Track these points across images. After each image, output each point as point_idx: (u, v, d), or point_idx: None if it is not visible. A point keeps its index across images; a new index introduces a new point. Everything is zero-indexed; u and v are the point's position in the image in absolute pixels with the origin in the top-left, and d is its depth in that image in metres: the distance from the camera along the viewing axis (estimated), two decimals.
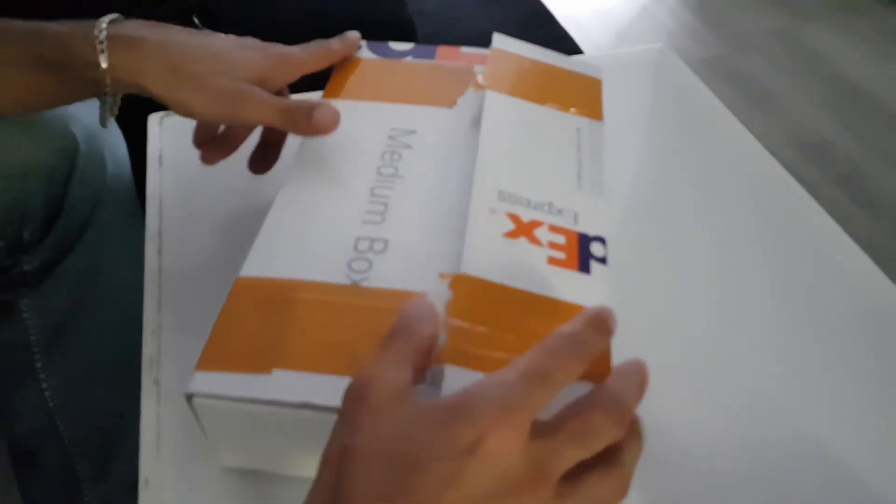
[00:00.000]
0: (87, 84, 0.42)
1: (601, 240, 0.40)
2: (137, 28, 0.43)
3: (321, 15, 0.98)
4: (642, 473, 0.39)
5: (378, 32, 1.06)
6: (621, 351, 0.44)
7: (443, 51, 0.53)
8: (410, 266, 0.38)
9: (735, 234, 0.53)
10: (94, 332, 0.61)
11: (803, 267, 0.51)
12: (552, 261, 0.38)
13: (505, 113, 0.46)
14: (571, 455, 0.27)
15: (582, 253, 0.39)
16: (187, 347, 0.45)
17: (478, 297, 0.35)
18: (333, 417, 0.30)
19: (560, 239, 0.39)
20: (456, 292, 0.35)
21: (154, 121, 0.62)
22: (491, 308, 0.35)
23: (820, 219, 0.54)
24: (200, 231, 0.52)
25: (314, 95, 0.64)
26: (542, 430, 0.27)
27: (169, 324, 0.46)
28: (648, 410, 0.42)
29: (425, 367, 0.30)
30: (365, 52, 0.54)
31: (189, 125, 0.58)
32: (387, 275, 0.38)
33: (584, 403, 0.28)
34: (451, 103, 0.48)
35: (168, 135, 0.61)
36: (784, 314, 0.48)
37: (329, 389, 0.32)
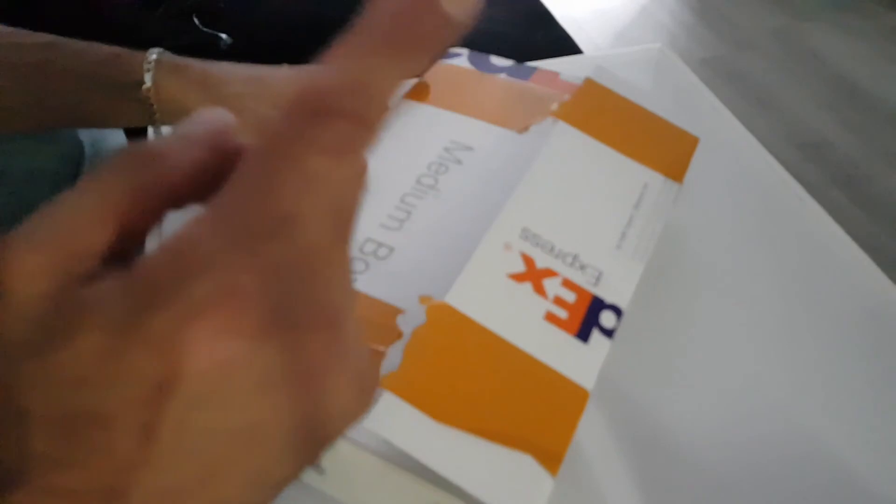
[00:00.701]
0: (133, 105, 0.43)
1: (616, 310, 0.37)
2: (185, 58, 0.44)
3: (321, 15, 0.98)
4: (643, 472, 0.39)
5: None
6: (622, 346, 0.44)
7: (540, 74, 0.51)
8: (404, 280, 0.36)
9: (734, 233, 0.53)
10: None
11: (803, 267, 0.51)
12: (550, 317, 0.35)
13: (568, 148, 0.44)
14: None
15: (588, 318, 0.36)
16: None
17: (449, 331, 0.34)
18: None
19: (569, 296, 0.36)
20: (430, 319, 0.34)
21: None
22: (459, 346, 0.33)
23: (820, 219, 0.54)
24: None
25: None
26: None
27: None
28: (649, 409, 0.42)
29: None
30: (462, 61, 0.52)
31: None
32: (378, 283, 0.37)
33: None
34: (522, 128, 0.46)
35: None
36: (784, 314, 0.48)
37: None
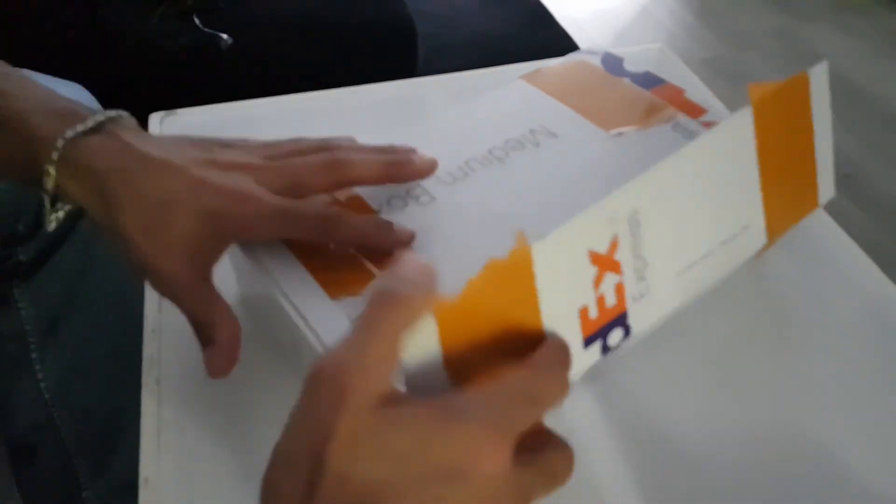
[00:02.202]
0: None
1: (627, 330, 0.34)
2: (92, 153, 0.36)
3: (321, 15, 0.98)
4: (642, 472, 0.39)
5: (378, 32, 1.06)
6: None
7: (665, 88, 0.50)
8: (426, 229, 0.38)
9: None
10: (88, 323, 0.61)
11: (803, 267, 0.51)
12: (582, 312, 0.32)
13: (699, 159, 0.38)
14: (543, 485, 0.26)
15: (604, 329, 0.33)
16: (187, 347, 0.45)
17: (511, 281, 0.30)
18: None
19: (611, 300, 0.33)
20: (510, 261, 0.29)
21: (154, 121, 0.62)
22: (505, 299, 0.30)
23: (820, 219, 0.54)
24: None
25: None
26: (523, 459, 0.25)
27: (169, 324, 0.46)
28: (648, 407, 0.42)
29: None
30: (595, 59, 0.53)
31: (190, 126, 0.58)
32: (404, 221, 0.38)
33: (556, 438, 0.28)
34: (610, 130, 0.46)
35: (168, 135, 0.61)
36: (784, 314, 0.48)
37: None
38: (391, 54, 1.02)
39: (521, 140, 0.45)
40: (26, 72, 0.41)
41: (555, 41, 1.16)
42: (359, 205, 0.41)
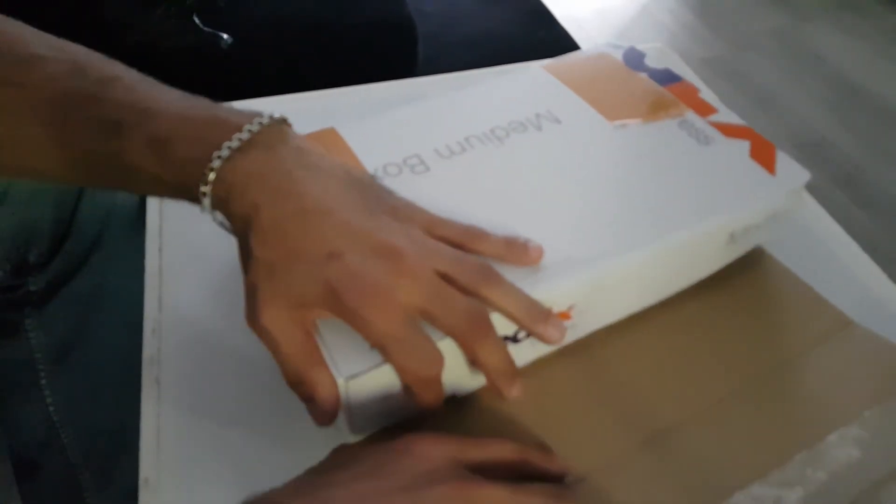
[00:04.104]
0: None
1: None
2: (247, 177, 0.34)
3: (321, 15, 0.98)
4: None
5: (378, 32, 1.06)
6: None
7: (681, 85, 0.50)
8: (419, 199, 0.38)
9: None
10: (100, 349, 0.61)
11: (803, 267, 0.51)
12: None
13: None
14: None
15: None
16: (187, 347, 0.45)
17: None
18: None
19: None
20: None
21: None
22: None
23: (820, 219, 0.54)
24: (200, 230, 0.52)
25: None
26: None
27: (169, 323, 0.46)
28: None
29: None
30: (616, 51, 0.53)
31: None
32: (399, 188, 0.38)
33: None
34: (615, 121, 0.46)
35: None
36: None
37: None
38: (391, 54, 1.02)
39: (524, 122, 0.46)
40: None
41: (555, 40, 1.17)
42: (355, 162, 0.42)
